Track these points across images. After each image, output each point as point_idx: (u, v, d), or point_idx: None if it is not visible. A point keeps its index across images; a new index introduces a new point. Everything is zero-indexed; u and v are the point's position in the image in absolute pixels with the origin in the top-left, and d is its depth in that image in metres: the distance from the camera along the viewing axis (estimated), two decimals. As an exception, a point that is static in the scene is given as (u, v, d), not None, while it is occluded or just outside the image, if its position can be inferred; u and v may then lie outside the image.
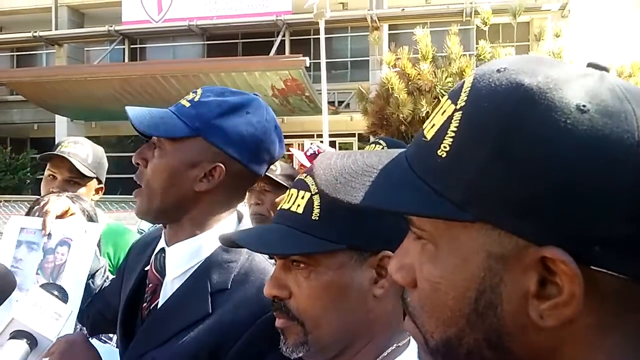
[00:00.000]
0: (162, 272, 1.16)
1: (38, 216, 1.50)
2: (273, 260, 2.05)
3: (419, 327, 0.52)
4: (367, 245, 0.83)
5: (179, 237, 1.15)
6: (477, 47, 10.97)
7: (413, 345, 0.85)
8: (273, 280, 0.87)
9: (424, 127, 0.52)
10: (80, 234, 1.48)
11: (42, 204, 1.55)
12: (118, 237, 2.21)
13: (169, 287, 1.15)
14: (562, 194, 0.42)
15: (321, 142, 11.40)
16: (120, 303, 1.26)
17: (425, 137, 0.50)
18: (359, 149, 7.70)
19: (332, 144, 13.76)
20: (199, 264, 1.13)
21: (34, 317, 1.09)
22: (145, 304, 1.18)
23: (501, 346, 0.47)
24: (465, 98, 0.48)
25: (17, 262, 1.45)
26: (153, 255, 1.20)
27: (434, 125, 0.50)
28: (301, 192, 0.86)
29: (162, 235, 1.21)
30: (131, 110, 1.14)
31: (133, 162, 1.16)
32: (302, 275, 0.84)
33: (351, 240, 0.82)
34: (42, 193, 2.07)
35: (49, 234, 1.46)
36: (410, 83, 10.64)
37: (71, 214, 1.55)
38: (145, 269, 1.22)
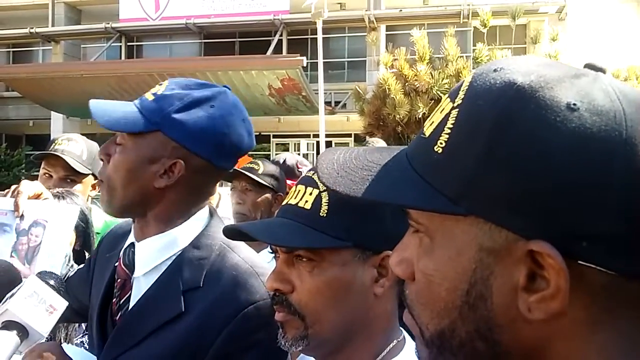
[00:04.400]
0: (130, 267, 1.14)
1: (10, 197, 1.45)
2: (269, 258, 2.03)
3: (415, 319, 0.54)
4: (371, 244, 0.85)
5: (147, 233, 1.12)
6: (474, 50, 11.03)
7: (410, 341, 0.87)
8: (276, 274, 0.88)
9: (424, 124, 0.53)
10: (56, 216, 1.43)
11: (13, 187, 1.50)
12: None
13: (141, 285, 1.12)
14: (549, 190, 0.43)
15: (317, 142, 11.39)
16: (91, 299, 1.23)
17: (424, 134, 0.52)
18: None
19: (328, 144, 13.77)
20: (170, 261, 1.10)
21: (28, 309, 1.07)
22: (115, 299, 1.16)
23: (492, 338, 0.48)
24: (463, 96, 0.49)
25: None
26: (122, 250, 1.17)
27: (432, 122, 0.51)
28: (309, 189, 0.87)
29: (132, 230, 1.18)
30: (94, 104, 1.10)
31: (98, 157, 1.13)
32: (305, 269, 0.85)
33: (357, 238, 0.84)
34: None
35: (22, 215, 1.41)
36: (407, 84, 10.69)
37: (44, 199, 1.50)
38: (116, 264, 1.19)
